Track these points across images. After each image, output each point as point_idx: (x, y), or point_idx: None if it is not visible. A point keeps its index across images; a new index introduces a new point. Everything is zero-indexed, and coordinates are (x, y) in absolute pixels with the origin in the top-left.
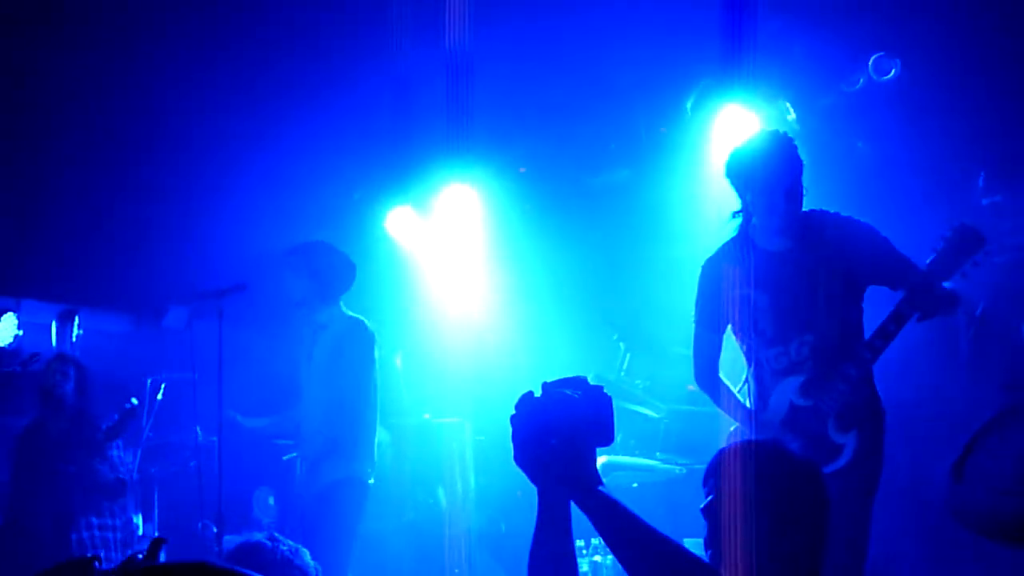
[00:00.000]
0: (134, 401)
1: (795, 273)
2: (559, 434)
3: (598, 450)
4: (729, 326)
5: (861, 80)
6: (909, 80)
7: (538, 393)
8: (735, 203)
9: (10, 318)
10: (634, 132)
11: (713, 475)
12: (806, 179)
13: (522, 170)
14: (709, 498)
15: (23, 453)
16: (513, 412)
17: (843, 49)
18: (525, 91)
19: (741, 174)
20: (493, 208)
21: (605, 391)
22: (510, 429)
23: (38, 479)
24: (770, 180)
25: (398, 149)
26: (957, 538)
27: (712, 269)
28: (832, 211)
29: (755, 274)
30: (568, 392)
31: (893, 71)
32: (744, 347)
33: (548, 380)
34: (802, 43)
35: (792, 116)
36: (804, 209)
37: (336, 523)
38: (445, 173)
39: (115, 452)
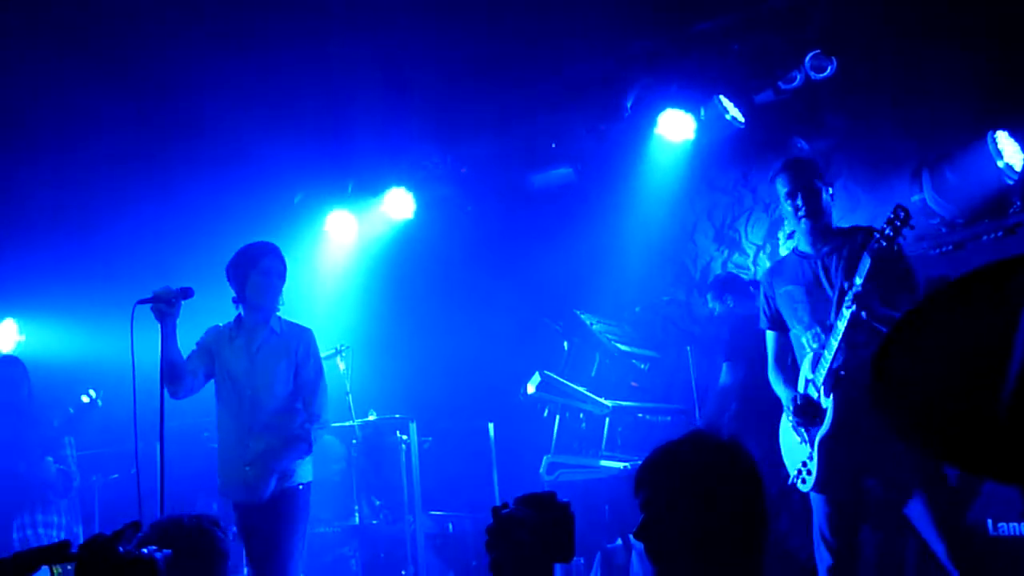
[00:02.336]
0: (92, 393)
1: (818, 270)
2: (520, 551)
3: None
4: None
5: (798, 78)
6: (845, 77)
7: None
8: (676, 200)
9: (10, 323)
10: (575, 131)
11: (645, 470)
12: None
13: (463, 170)
14: (642, 493)
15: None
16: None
17: (781, 47)
18: (466, 91)
19: (774, 194)
20: (435, 209)
21: (569, 510)
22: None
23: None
24: (793, 199)
25: (339, 151)
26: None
27: (766, 277)
28: (865, 226)
29: (792, 272)
30: (533, 512)
31: (829, 69)
32: (795, 333)
33: (518, 496)
34: (739, 42)
35: (730, 115)
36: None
37: (291, 527)
38: (385, 176)
39: (68, 451)
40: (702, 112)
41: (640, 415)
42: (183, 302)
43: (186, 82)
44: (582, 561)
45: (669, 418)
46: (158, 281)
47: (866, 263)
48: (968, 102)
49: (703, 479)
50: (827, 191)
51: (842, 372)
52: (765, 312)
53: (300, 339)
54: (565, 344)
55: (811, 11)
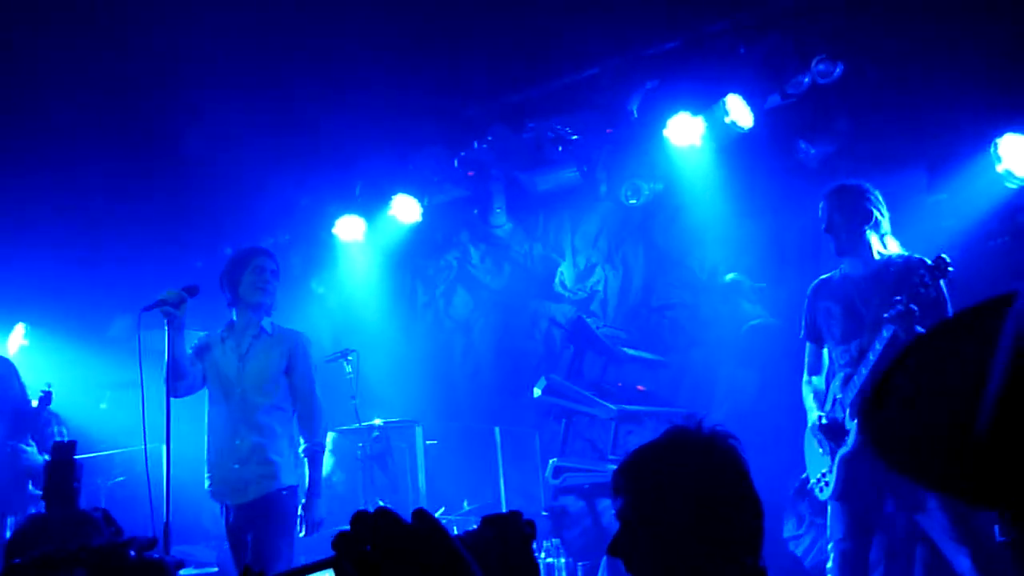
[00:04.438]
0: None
1: (856, 293)
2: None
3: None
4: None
5: (805, 82)
6: (852, 81)
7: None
8: (682, 203)
9: (20, 328)
10: (582, 133)
11: (621, 475)
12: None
13: (470, 174)
14: (619, 500)
15: None
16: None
17: (788, 51)
18: (472, 93)
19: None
20: (442, 213)
21: (528, 530)
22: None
23: None
24: (828, 228)
25: (345, 155)
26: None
27: (811, 291)
28: (917, 256)
29: (835, 291)
30: (488, 535)
31: (836, 73)
32: (826, 348)
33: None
34: (746, 46)
35: (729, 119)
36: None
37: (279, 529)
38: (393, 179)
39: (53, 428)
40: (709, 116)
41: (647, 419)
42: (190, 300)
43: (198, 91)
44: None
45: (676, 421)
46: (167, 286)
47: (903, 303)
48: (976, 105)
49: (683, 478)
50: (864, 222)
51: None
52: (805, 323)
53: (292, 342)
54: (571, 348)
55: (818, 15)
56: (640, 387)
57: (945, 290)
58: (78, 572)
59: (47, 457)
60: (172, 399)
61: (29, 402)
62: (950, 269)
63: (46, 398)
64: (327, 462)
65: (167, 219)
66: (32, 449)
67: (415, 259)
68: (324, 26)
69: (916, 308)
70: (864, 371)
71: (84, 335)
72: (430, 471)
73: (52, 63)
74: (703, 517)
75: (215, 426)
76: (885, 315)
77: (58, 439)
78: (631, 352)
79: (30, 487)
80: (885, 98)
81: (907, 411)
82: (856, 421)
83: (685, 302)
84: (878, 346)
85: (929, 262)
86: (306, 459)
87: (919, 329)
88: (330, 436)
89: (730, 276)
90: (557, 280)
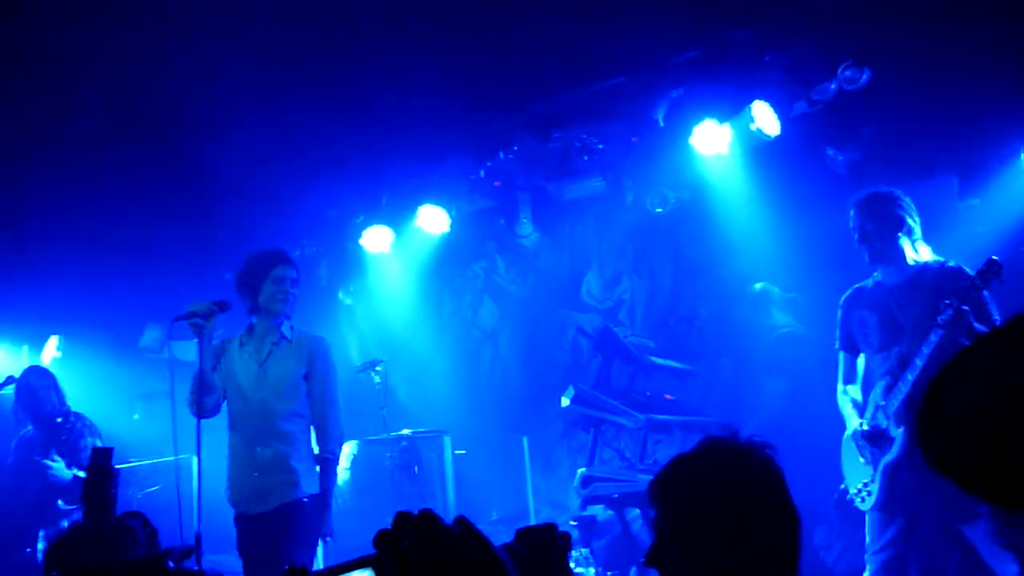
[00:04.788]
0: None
1: (894, 300)
2: None
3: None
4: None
5: (832, 89)
6: (879, 88)
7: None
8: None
9: (53, 340)
10: (608, 142)
11: (657, 487)
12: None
13: (496, 184)
14: (655, 511)
15: (8, 474)
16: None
17: (813, 58)
18: (498, 102)
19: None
20: (468, 223)
21: (563, 543)
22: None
23: (12, 491)
24: (861, 236)
25: (372, 166)
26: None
27: (844, 300)
28: (954, 264)
29: (870, 299)
30: (522, 548)
31: (863, 79)
32: (863, 356)
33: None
34: (772, 53)
35: (755, 126)
36: (932, 259)
37: (300, 540)
38: (419, 189)
39: (87, 440)
40: (735, 123)
41: (676, 428)
42: (220, 315)
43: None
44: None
45: (705, 431)
46: (196, 297)
47: (954, 307)
48: (1006, 109)
49: (720, 489)
50: (897, 229)
51: (917, 404)
52: (840, 333)
53: (312, 346)
54: (599, 357)
55: (845, 21)
56: (668, 396)
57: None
58: None
59: (76, 471)
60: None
61: (65, 414)
62: (1001, 271)
63: (69, 413)
64: (353, 472)
65: (197, 231)
66: (59, 464)
67: (442, 269)
68: (350, 39)
69: (968, 309)
70: (910, 377)
71: (116, 346)
72: (458, 481)
73: (87, 81)
74: (740, 529)
75: (235, 434)
76: (937, 319)
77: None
78: (659, 361)
79: (60, 503)
80: (913, 104)
81: (967, 424)
82: (901, 429)
83: (713, 311)
84: (925, 351)
85: (967, 269)
86: (318, 467)
87: (979, 327)
88: (355, 445)
89: (759, 285)
90: (584, 289)
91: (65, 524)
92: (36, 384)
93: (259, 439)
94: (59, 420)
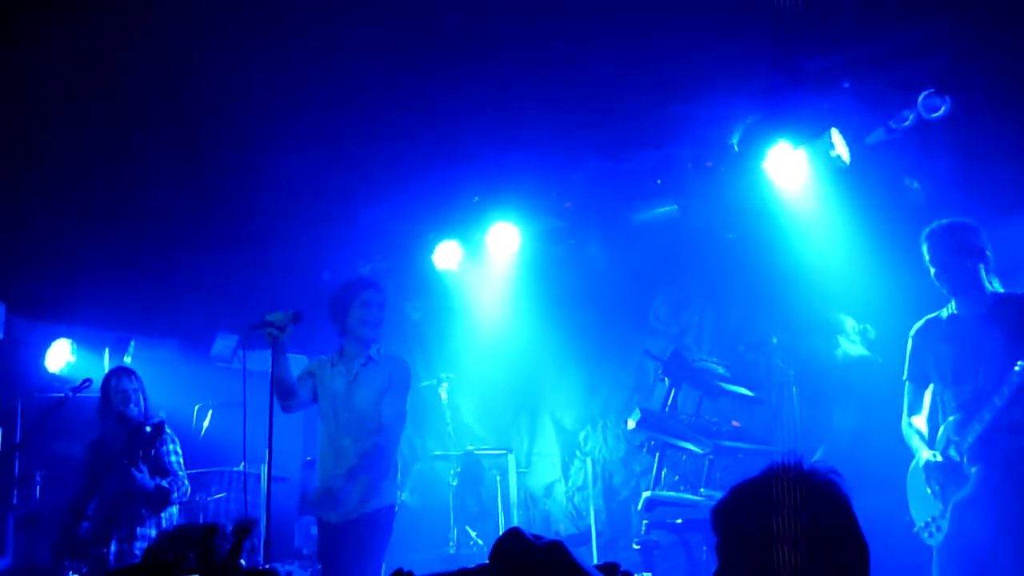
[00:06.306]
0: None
1: (971, 333)
2: None
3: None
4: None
5: (911, 117)
6: (960, 118)
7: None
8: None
9: (64, 344)
10: (680, 166)
11: (719, 512)
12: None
13: (567, 204)
14: (716, 537)
15: (84, 471)
16: None
17: (892, 86)
18: (571, 124)
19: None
20: (538, 243)
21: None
22: None
23: (92, 492)
24: (942, 268)
25: (446, 186)
26: None
27: (917, 331)
28: None
29: (945, 331)
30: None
31: (943, 108)
32: (931, 389)
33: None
34: (851, 80)
35: (835, 153)
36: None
37: (374, 547)
38: (491, 210)
39: (168, 447)
40: (810, 149)
41: (741, 456)
42: (293, 327)
43: (298, 118)
44: None
45: (771, 459)
46: (264, 309)
47: None
48: None
49: (782, 518)
50: (979, 260)
51: (994, 442)
52: (909, 364)
53: (394, 367)
54: (666, 380)
55: (926, 49)
56: (736, 423)
57: None
58: None
59: (159, 481)
60: (279, 414)
61: (156, 427)
62: None
63: (162, 425)
64: (417, 487)
65: (268, 242)
66: (143, 474)
67: (511, 287)
68: (419, 62)
69: None
70: (987, 416)
71: (188, 354)
72: (521, 499)
73: (153, 103)
74: (804, 558)
75: (324, 444)
76: (1018, 363)
77: (174, 457)
78: (728, 387)
79: (143, 511)
80: (994, 135)
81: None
82: (975, 468)
83: (783, 339)
84: (1006, 391)
85: None
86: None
87: None
88: (421, 461)
89: (832, 315)
90: (652, 313)
91: (139, 531)
92: (127, 386)
93: (346, 451)
94: (148, 430)
